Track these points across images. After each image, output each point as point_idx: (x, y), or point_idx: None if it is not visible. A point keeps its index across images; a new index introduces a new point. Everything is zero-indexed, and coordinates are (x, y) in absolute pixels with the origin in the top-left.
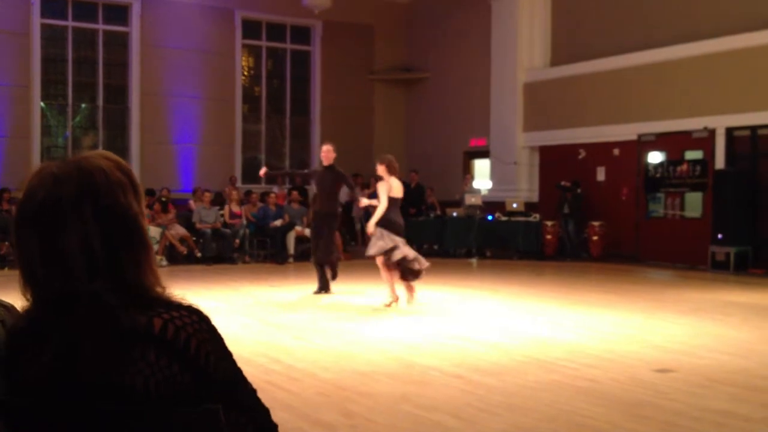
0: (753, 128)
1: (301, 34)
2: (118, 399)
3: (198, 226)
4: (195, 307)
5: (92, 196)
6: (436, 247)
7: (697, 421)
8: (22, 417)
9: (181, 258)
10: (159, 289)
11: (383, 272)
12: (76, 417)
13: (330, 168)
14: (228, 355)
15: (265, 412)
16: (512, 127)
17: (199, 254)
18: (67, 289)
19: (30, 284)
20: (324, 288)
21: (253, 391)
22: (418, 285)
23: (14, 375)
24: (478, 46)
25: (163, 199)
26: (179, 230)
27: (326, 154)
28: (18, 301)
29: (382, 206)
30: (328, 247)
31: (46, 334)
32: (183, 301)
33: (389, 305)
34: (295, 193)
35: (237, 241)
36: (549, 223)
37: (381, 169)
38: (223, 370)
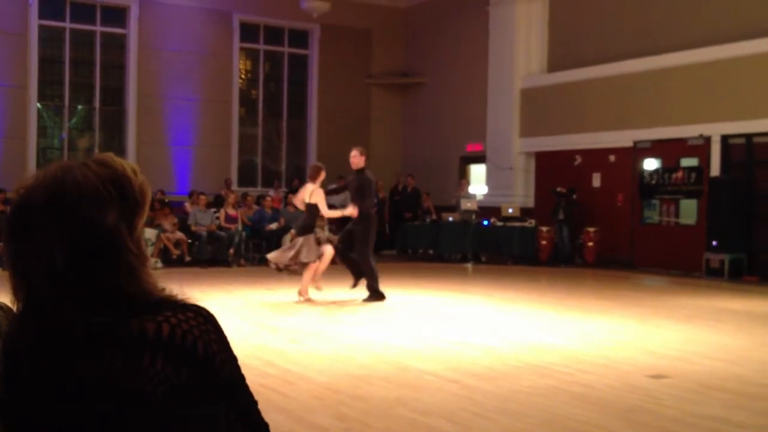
0: (748, 136)
1: (299, 38)
2: (123, 405)
3: (194, 228)
4: (200, 307)
5: (59, 208)
6: (431, 251)
7: (691, 428)
8: (20, 418)
9: (174, 260)
10: (158, 293)
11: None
12: (77, 420)
13: (358, 172)
14: (233, 358)
15: (265, 427)
16: (509, 133)
17: (188, 258)
18: (29, 301)
19: (11, 290)
20: (372, 293)
21: (255, 403)
22: (416, 289)
23: (12, 379)
24: (476, 51)
25: (167, 200)
26: (177, 234)
27: (351, 159)
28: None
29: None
30: (361, 252)
31: (29, 344)
32: (187, 301)
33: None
34: (291, 196)
35: (232, 250)
36: (544, 228)
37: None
38: (228, 371)
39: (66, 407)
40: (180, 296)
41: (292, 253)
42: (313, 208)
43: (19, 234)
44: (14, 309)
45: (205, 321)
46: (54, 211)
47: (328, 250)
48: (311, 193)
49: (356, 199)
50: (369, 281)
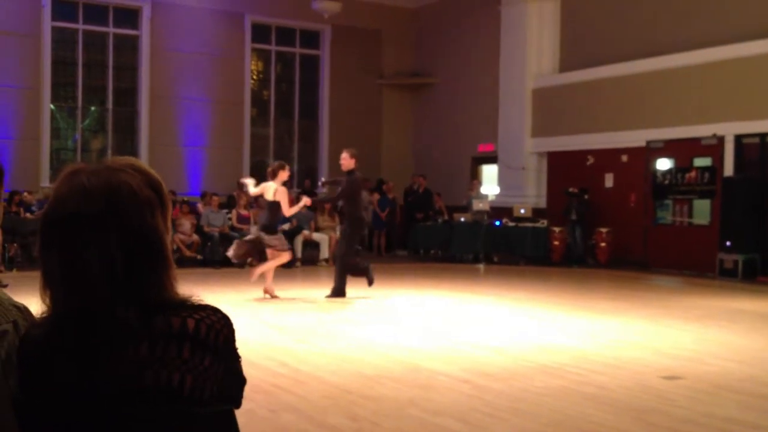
0: (762, 135)
1: (311, 39)
2: (153, 396)
3: (206, 229)
4: (215, 307)
5: (119, 216)
6: (443, 252)
7: (704, 428)
8: (39, 419)
9: (185, 261)
10: (178, 297)
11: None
12: (97, 421)
13: (348, 174)
14: (238, 355)
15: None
16: (520, 133)
17: (199, 257)
18: (85, 306)
19: (49, 293)
20: (336, 292)
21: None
22: (428, 289)
23: (29, 381)
24: (487, 51)
25: (186, 199)
26: (193, 237)
27: (341, 161)
28: (27, 301)
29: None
30: (341, 249)
31: (65, 346)
32: (202, 302)
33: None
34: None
35: None
36: (556, 229)
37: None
38: (238, 365)
39: (98, 404)
40: (195, 299)
41: (266, 250)
42: (275, 207)
43: (73, 240)
44: (32, 310)
45: (222, 317)
46: (113, 217)
47: (285, 256)
48: (275, 192)
49: (345, 201)
50: (340, 281)
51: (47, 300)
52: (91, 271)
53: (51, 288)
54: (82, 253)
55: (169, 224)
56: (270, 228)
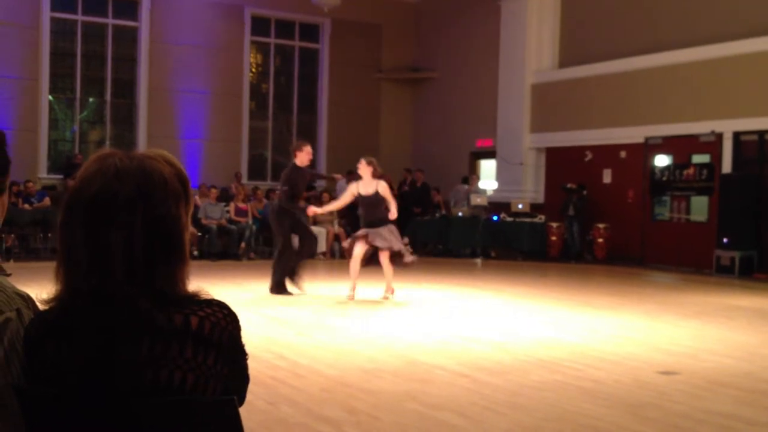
0: (760, 133)
1: (310, 32)
2: (153, 395)
3: (204, 222)
4: (222, 302)
5: (148, 201)
6: (440, 246)
7: (701, 424)
8: (42, 406)
9: None
10: (186, 293)
11: (389, 266)
12: (102, 409)
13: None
14: (245, 351)
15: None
16: (519, 128)
17: (196, 252)
18: (102, 285)
19: (67, 271)
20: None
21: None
22: (425, 284)
23: (37, 365)
24: (487, 46)
25: None
26: (190, 228)
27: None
28: (26, 291)
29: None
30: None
31: (78, 327)
32: (208, 297)
33: (387, 298)
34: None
35: (243, 245)
36: (554, 224)
37: (368, 170)
38: (244, 362)
39: (97, 393)
40: (203, 294)
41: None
42: (383, 200)
43: (99, 218)
44: (37, 298)
45: (229, 313)
46: (142, 201)
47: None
48: (385, 187)
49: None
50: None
51: (60, 279)
52: (113, 252)
53: (69, 267)
54: (107, 233)
55: (189, 221)
56: (387, 220)
